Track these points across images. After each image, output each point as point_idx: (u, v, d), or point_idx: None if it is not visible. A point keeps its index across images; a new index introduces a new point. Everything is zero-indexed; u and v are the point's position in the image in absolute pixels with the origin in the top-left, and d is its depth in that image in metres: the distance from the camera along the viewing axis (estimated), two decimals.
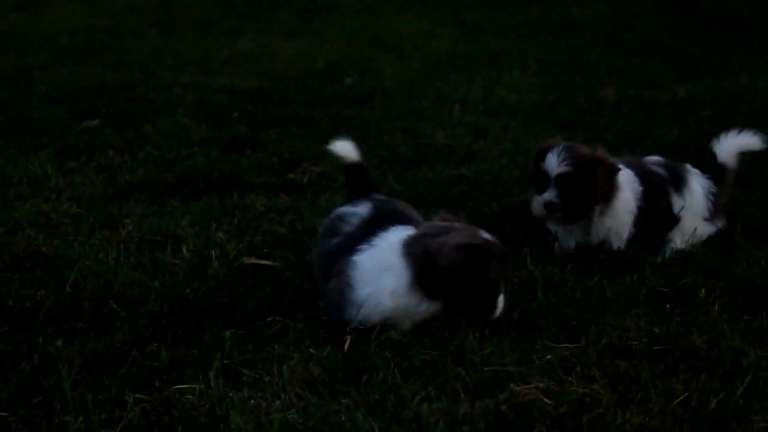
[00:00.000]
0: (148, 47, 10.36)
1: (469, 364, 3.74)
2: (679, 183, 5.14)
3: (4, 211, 5.36)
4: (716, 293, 4.37)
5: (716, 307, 4.21)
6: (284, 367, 3.73)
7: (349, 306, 4.01)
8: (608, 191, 4.88)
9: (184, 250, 4.85)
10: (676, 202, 5.09)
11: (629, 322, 4.05)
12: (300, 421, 3.42)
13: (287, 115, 7.50)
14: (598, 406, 3.46)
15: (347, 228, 4.30)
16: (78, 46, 10.55)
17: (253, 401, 3.51)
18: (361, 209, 4.40)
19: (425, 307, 3.99)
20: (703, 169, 5.25)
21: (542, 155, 4.89)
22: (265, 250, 4.87)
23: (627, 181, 4.98)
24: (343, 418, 3.42)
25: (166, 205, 5.60)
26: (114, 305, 4.19)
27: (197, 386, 3.57)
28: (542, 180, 4.89)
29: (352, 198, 4.72)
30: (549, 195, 4.84)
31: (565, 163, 4.80)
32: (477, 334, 3.94)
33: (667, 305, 4.26)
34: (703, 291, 4.37)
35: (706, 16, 11.56)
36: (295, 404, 3.52)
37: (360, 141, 6.74)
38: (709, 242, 5.02)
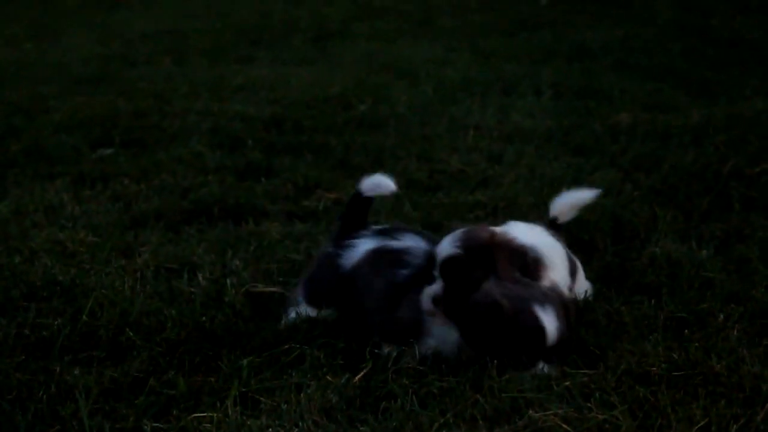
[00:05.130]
0: (161, 75, 10.39)
1: (488, 391, 3.72)
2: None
3: (21, 240, 5.39)
4: (735, 318, 4.34)
5: (735, 332, 4.18)
6: (302, 394, 3.72)
7: None
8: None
9: (200, 278, 4.85)
10: None
11: (648, 347, 4.03)
12: None
13: (301, 141, 7.51)
14: None
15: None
16: (91, 75, 10.59)
17: (271, 429, 3.51)
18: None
19: None
20: None
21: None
22: (280, 279, 4.87)
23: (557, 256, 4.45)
24: None
25: (181, 232, 5.61)
26: (131, 334, 4.19)
27: (215, 414, 3.57)
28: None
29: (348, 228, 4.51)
30: (435, 287, 4.01)
31: (456, 245, 4.01)
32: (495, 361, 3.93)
33: (686, 330, 4.23)
34: (721, 316, 4.35)
35: (719, 40, 11.55)
36: None
37: (375, 167, 6.79)
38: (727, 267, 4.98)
